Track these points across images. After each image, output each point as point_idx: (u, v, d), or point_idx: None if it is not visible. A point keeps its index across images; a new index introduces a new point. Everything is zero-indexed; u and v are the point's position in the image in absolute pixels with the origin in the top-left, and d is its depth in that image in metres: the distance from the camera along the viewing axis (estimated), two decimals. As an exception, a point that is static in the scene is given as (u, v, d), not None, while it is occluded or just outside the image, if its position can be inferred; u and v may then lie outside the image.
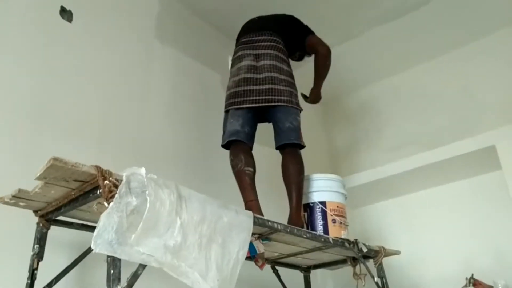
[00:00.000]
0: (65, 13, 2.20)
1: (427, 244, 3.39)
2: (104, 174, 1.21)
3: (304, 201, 2.25)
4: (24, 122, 1.88)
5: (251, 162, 2.10)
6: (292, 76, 2.31)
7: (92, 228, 1.63)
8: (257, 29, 2.38)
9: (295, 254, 2.24)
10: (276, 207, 2.30)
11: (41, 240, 1.50)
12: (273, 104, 2.16)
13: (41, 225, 1.50)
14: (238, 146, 2.12)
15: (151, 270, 1.22)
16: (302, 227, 2.04)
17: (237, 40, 2.46)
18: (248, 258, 1.81)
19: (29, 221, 1.52)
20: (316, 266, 2.60)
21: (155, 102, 2.54)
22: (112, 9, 2.49)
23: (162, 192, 1.17)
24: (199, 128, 2.74)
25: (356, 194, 3.43)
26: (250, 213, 1.61)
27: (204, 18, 2.65)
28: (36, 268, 1.47)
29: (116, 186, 1.18)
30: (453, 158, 3.13)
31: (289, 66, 2.35)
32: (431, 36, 3.45)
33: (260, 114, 2.24)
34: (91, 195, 1.27)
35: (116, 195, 1.11)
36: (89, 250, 1.56)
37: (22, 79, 1.94)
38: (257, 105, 2.15)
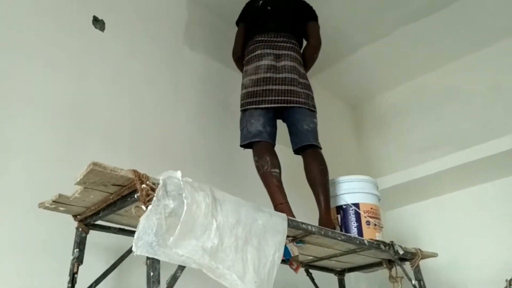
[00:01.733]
0: (98, 23, 2.26)
1: (464, 246, 3.30)
2: (141, 178, 1.23)
3: (337, 203, 2.23)
4: (60, 129, 1.94)
5: (276, 163, 2.07)
6: (308, 79, 2.33)
7: (129, 232, 1.66)
8: (275, 29, 2.34)
9: (329, 257, 2.21)
10: (303, 209, 2.28)
11: (80, 244, 1.53)
12: (291, 105, 2.16)
13: (80, 229, 1.54)
14: (262, 147, 2.10)
15: (188, 272, 1.23)
16: (334, 228, 2.01)
17: (248, 30, 2.41)
18: (282, 261, 1.79)
19: (69, 225, 1.56)
20: (351, 269, 2.56)
21: (184, 106, 2.57)
22: (142, 17, 2.54)
23: (197, 195, 1.18)
24: (227, 132, 2.75)
25: (389, 196, 3.37)
26: (284, 215, 1.60)
27: (231, 23, 2.67)
28: (76, 272, 1.50)
29: (153, 190, 1.20)
30: (488, 158, 3.05)
31: (304, 69, 2.37)
32: (460, 35, 3.37)
33: (278, 114, 2.24)
34: (128, 199, 1.29)
35: (154, 198, 1.12)
36: (126, 254, 1.59)
37: (57, 87, 2.00)
38: (276, 105, 2.14)
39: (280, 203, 1.95)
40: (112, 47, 2.30)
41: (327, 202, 2.09)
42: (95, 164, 1.17)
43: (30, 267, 1.63)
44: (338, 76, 3.84)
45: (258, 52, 2.27)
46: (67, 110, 1.99)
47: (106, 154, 1.98)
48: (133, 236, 1.63)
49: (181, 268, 1.20)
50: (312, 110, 2.24)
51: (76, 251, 1.52)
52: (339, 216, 2.20)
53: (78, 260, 1.51)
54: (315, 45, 2.45)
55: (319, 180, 2.10)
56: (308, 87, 2.28)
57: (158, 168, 1.35)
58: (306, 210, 2.24)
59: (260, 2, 2.47)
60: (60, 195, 1.37)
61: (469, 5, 3.10)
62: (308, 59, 2.45)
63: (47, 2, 2.09)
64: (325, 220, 2.03)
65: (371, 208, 2.20)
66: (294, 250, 1.82)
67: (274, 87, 2.16)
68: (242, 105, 2.22)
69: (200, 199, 1.17)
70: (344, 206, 2.20)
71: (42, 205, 1.42)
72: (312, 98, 2.28)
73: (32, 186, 1.73)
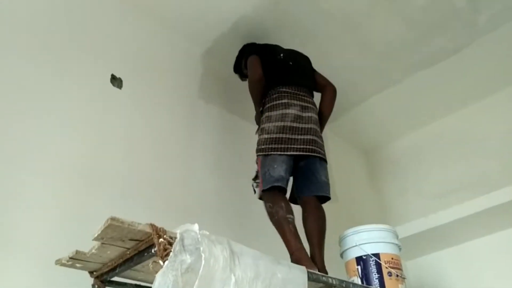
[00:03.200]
0: (115, 81, 2.34)
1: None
2: (158, 232, 1.22)
3: (356, 254, 2.17)
4: (78, 184, 1.96)
5: (291, 210, 2.05)
6: None
7: (145, 288, 1.63)
8: (298, 83, 2.41)
9: (351, 311, 2.12)
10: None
11: (96, 301, 1.50)
12: (315, 154, 2.20)
13: (96, 286, 1.51)
14: (278, 193, 2.09)
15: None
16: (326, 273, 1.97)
17: (271, 83, 2.42)
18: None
19: (85, 282, 1.53)
20: (374, 324, 2.44)
21: (200, 159, 2.59)
22: (158, 73, 2.62)
23: (215, 249, 1.16)
24: (243, 184, 2.74)
25: (409, 245, 3.26)
26: (303, 268, 1.56)
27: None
28: (92, 331, 1.46)
29: (171, 244, 1.19)
30: (511, 202, 2.97)
31: (325, 116, 2.50)
32: (475, 78, 3.40)
33: (295, 165, 2.24)
34: (145, 254, 1.28)
35: (171, 254, 1.11)
36: (142, 311, 1.55)
37: (76, 143, 2.05)
38: (302, 153, 2.17)
39: (297, 249, 1.93)
40: (129, 103, 2.37)
41: (323, 247, 2.10)
42: (113, 219, 1.17)
43: (45, 327, 1.59)
44: (351, 123, 3.87)
45: (285, 101, 2.31)
46: (84, 166, 2.03)
47: (122, 209, 1.98)
48: (150, 292, 1.62)
49: (199, 326, 1.16)
50: (326, 164, 2.31)
51: (92, 308, 1.49)
52: (359, 267, 2.13)
53: (94, 318, 1.48)
54: (335, 88, 2.58)
55: (319, 226, 2.13)
56: (323, 142, 2.35)
57: (175, 222, 1.34)
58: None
59: (282, 55, 2.56)
60: (77, 252, 1.36)
61: (481, 49, 3.15)
62: (329, 105, 2.55)
63: (65, 61, 2.19)
64: (322, 265, 2.03)
65: (392, 258, 2.13)
66: (315, 304, 1.75)
67: (299, 136, 2.20)
68: (263, 150, 2.20)
69: (218, 253, 1.15)
70: (364, 257, 2.14)
71: (59, 262, 1.41)
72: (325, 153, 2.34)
73: (49, 242, 1.73)
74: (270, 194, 2.10)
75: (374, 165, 4.23)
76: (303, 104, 2.32)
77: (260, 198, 2.19)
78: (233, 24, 2.84)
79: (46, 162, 1.90)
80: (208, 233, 1.22)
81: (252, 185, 2.29)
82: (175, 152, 2.47)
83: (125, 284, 1.60)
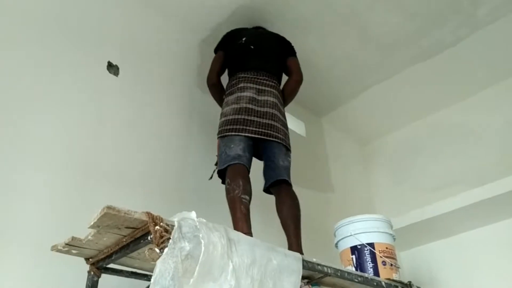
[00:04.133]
0: (112, 68, 2.33)
1: (483, 287, 3.18)
2: (155, 220, 1.22)
3: (350, 244, 2.19)
4: (74, 172, 1.96)
5: (248, 190, 1.97)
6: (286, 119, 2.36)
7: (141, 276, 1.63)
8: (257, 68, 2.38)
9: (345, 300, 2.14)
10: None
11: (92, 288, 1.51)
12: (271, 139, 2.17)
13: (92, 273, 1.51)
14: (237, 170, 2.02)
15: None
16: None
17: (232, 70, 2.44)
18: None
19: (81, 269, 1.54)
20: (368, 313, 2.46)
21: (196, 148, 2.59)
22: (155, 62, 2.61)
23: (213, 235, 1.17)
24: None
25: (403, 236, 3.29)
26: (298, 255, 1.57)
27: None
28: (88, 317, 1.47)
29: (167, 231, 1.19)
30: (505, 194, 2.99)
31: (284, 103, 2.45)
32: (472, 71, 3.40)
33: (255, 147, 2.21)
34: (142, 241, 1.28)
35: (170, 241, 1.11)
36: (138, 298, 1.55)
37: (71, 131, 2.04)
38: (257, 136, 2.14)
39: (245, 233, 1.82)
40: (126, 91, 2.35)
41: (299, 234, 2.04)
42: (109, 207, 1.17)
43: (40, 313, 1.60)
44: (349, 115, 3.87)
45: (241, 85, 2.30)
46: (81, 154, 2.02)
47: (119, 198, 1.99)
48: (145, 279, 1.63)
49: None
50: (289, 149, 2.26)
51: (88, 295, 1.49)
52: (353, 256, 2.15)
53: (90, 304, 1.48)
54: (298, 80, 2.55)
55: (296, 214, 2.07)
56: (286, 126, 2.32)
57: (171, 211, 1.34)
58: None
59: (244, 39, 2.52)
60: (73, 238, 1.36)
61: (480, 42, 3.15)
62: (289, 93, 2.53)
63: (62, 47, 2.17)
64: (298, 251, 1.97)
65: (387, 248, 2.15)
66: (310, 293, 1.77)
67: (255, 118, 2.18)
68: (220, 132, 2.19)
69: (216, 240, 1.16)
70: (358, 246, 2.16)
71: (54, 248, 1.41)
72: (289, 137, 2.30)
73: (45, 229, 1.73)
74: (231, 170, 2.03)
75: (370, 156, 4.24)
76: (260, 87, 2.29)
77: (223, 182, 2.12)
78: (232, 13, 2.83)
79: (42, 151, 1.90)
80: (205, 220, 1.23)
81: (213, 171, 2.27)
82: (172, 141, 2.47)
83: (121, 271, 1.61)
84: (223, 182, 2.13)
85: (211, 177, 2.28)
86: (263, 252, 1.33)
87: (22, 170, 1.79)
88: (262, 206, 2.29)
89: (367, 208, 3.71)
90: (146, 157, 2.29)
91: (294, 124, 3.42)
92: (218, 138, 2.23)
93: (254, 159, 2.23)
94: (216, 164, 2.28)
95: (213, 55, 2.67)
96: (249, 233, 1.86)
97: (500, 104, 3.45)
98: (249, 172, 2.09)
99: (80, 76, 2.18)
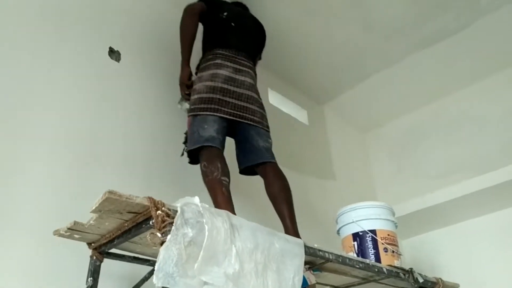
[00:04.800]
0: (113, 54, 2.31)
1: (486, 276, 3.19)
2: (156, 204, 1.22)
3: (352, 231, 2.19)
4: (75, 157, 1.95)
5: (227, 172, 1.90)
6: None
7: (143, 261, 1.64)
8: (236, 46, 2.29)
9: (347, 286, 2.15)
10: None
11: (94, 273, 1.51)
12: (247, 121, 2.11)
13: (94, 257, 1.52)
14: (213, 152, 1.94)
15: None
16: None
17: (209, 44, 2.33)
18: (299, 290, 1.75)
19: (83, 254, 1.54)
20: (369, 300, 2.48)
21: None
22: (157, 48, 2.58)
23: (216, 221, 1.17)
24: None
25: (405, 224, 3.30)
26: (300, 241, 1.58)
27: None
28: (90, 302, 1.48)
29: (168, 216, 1.19)
30: (508, 182, 2.99)
31: None
32: (475, 59, 3.38)
33: (229, 128, 2.14)
34: (143, 226, 1.28)
35: (173, 227, 1.11)
36: (140, 283, 1.56)
37: (74, 116, 2.03)
38: (231, 117, 2.07)
39: None
40: (128, 77, 2.34)
41: (294, 217, 1.99)
42: (110, 192, 1.17)
43: (43, 297, 1.61)
44: (350, 102, 3.85)
45: (218, 61, 2.20)
46: (82, 139, 2.01)
47: (120, 183, 1.98)
48: (147, 264, 1.63)
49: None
50: (267, 130, 2.20)
51: (90, 280, 1.50)
52: (355, 243, 2.16)
53: (92, 289, 1.49)
54: None
55: (287, 195, 2.02)
56: (263, 107, 2.26)
57: (174, 197, 1.34)
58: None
59: (225, 14, 2.41)
60: (75, 222, 1.36)
61: (483, 29, 3.12)
62: None
63: (64, 34, 2.15)
64: (294, 235, 1.93)
65: (388, 235, 2.15)
66: (311, 278, 1.77)
67: (231, 100, 2.10)
68: (193, 110, 2.10)
69: (219, 225, 1.16)
70: (360, 233, 2.16)
71: (57, 233, 1.42)
72: (266, 119, 2.25)
73: (46, 214, 1.73)
74: (207, 153, 1.95)
75: (372, 144, 4.23)
76: (238, 67, 2.21)
77: (191, 162, 2.08)
78: None
79: (43, 135, 1.89)
80: (207, 205, 1.23)
81: (183, 149, 2.19)
82: (173, 127, 2.45)
83: (123, 256, 1.61)
84: (191, 162, 2.08)
85: (182, 155, 2.19)
86: (265, 236, 1.34)
87: (24, 157, 1.79)
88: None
89: (369, 195, 3.71)
90: (147, 142, 2.28)
91: (296, 111, 3.41)
92: (189, 115, 2.13)
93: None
94: (184, 142, 2.20)
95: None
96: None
97: (502, 93, 3.43)
98: (222, 152, 2.02)
99: (81, 61, 2.16)
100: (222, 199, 1.80)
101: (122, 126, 2.20)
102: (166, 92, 2.52)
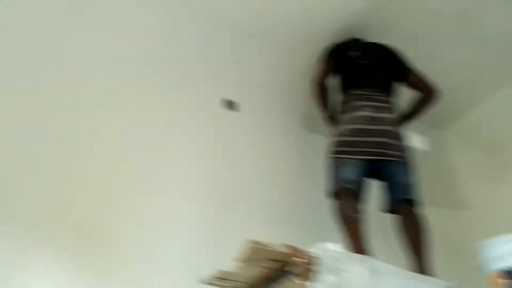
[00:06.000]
0: (231, 104, 2.51)
1: None
2: (296, 252, 1.27)
3: (501, 266, 1.99)
4: (208, 204, 2.14)
5: (360, 210, 1.98)
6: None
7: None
8: (372, 85, 2.31)
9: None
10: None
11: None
12: (385, 158, 2.09)
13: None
14: (349, 194, 2.01)
15: None
16: None
17: (344, 86, 2.39)
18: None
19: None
20: None
21: (311, 176, 2.56)
22: (271, 96, 2.74)
23: (356, 266, 1.17)
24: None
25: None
26: (442, 283, 1.50)
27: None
28: None
29: (309, 263, 1.23)
30: None
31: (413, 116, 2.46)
32: None
33: (372, 168, 2.12)
34: (284, 273, 1.33)
35: (315, 274, 1.15)
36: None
37: (205, 165, 2.25)
38: (370, 157, 2.08)
39: (362, 251, 1.81)
40: (248, 126, 2.53)
41: (427, 259, 1.91)
42: (254, 242, 1.25)
43: None
44: (472, 123, 3.58)
45: (356, 104, 2.24)
46: (214, 187, 2.20)
47: (252, 228, 2.09)
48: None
49: None
50: (408, 164, 2.15)
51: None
52: (508, 281, 1.95)
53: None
54: (431, 96, 2.47)
55: (415, 237, 1.96)
56: (402, 139, 2.22)
57: (299, 241, 1.38)
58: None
59: (357, 53, 2.45)
60: (224, 272, 1.45)
61: None
62: (421, 108, 2.47)
63: (186, 88, 2.43)
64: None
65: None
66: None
67: (370, 139, 2.11)
68: (333, 152, 2.17)
69: (360, 271, 1.17)
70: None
71: (207, 281, 1.51)
72: (407, 151, 2.20)
73: (188, 260, 1.90)
74: (343, 196, 2.02)
75: (507, 166, 3.83)
76: (376, 104, 2.21)
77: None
78: (337, 32, 2.74)
79: (181, 185, 2.12)
80: (346, 251, 1.24)
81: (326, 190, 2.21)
82: (289, 171, 2.54)
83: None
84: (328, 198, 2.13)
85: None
86: (407, 281, 1.30)
87: (163, 202, 2.02)
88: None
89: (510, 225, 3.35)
90: (272, 186, 2.41)
91: (417, 140, 3.27)
92: (331, 157, 2.19)
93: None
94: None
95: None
96: (366, 251, 1.83)
97: None
98: (361, 196, 2.06)
99: (201, 112, 2.40)
100: (353, 236, 1.87)
101: (247, 173, 2.37)
102: (282, 137, 2.63)
